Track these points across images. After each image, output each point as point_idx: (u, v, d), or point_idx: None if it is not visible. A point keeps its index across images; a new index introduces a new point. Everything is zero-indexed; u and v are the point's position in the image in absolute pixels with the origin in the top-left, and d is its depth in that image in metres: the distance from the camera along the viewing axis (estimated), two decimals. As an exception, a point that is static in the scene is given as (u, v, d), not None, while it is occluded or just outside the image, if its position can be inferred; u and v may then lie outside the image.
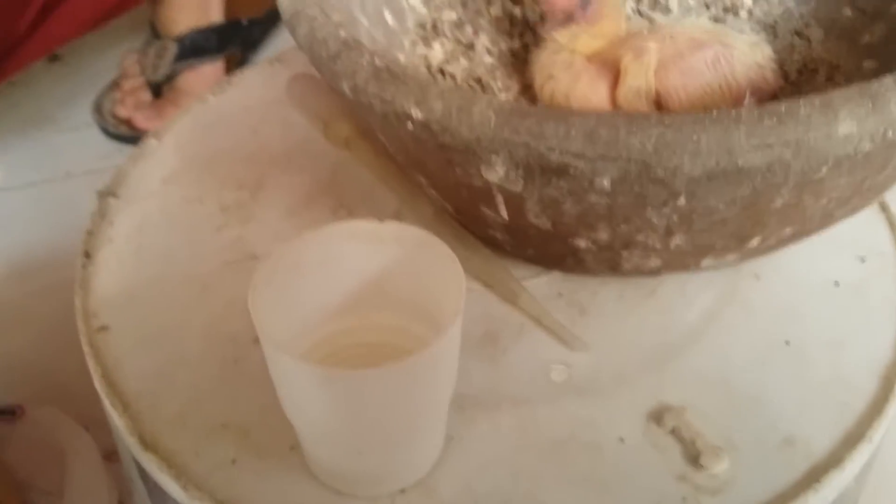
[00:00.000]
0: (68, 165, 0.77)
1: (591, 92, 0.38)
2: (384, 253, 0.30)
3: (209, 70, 0.80)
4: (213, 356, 0.34)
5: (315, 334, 0.31)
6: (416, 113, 0.29)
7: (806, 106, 0.27)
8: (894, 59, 0.41)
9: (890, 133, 0.28)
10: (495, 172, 0.29)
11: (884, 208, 0.43)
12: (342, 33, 0.31)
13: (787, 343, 0.36)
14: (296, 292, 0.29)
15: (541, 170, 0.29)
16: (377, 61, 0.30)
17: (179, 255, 0.37)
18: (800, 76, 0.44)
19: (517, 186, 0.30)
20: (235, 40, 0.83)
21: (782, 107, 0.27)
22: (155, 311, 0.35)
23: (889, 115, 0.28)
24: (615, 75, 0.38)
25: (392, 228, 0.29)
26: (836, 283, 0.39)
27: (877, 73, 0.42)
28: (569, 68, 0.38)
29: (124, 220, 0.39)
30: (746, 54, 0.39)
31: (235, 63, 0.84)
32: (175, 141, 0.42)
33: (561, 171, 0.28)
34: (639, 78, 0.37)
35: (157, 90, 0.79)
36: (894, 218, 0.42)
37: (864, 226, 0.41)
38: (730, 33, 0.40)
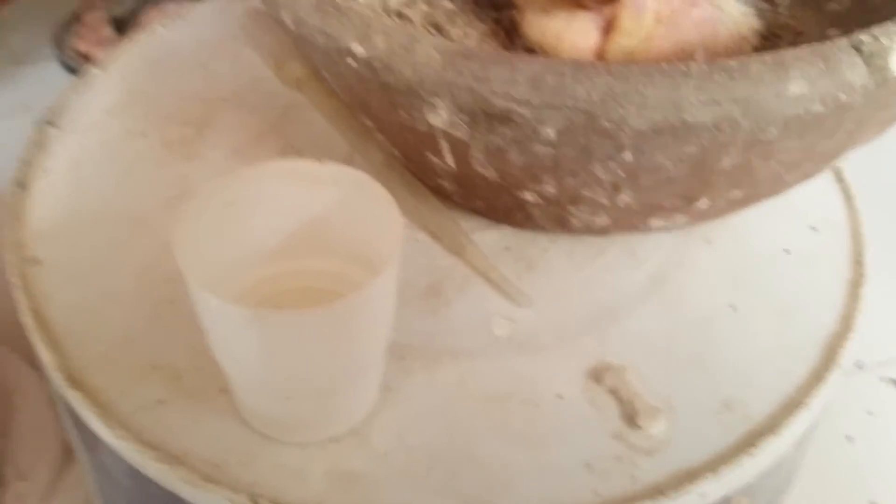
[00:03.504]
0: (26, 99, 0.75)
1: (580, 36, 0.36)
2: (322, 194, 0.29)
3: (173, 8, 0.78)
4: (148, 295, 0.33)
5: (247, 277, 0.30)
6: (358, 49, 0.28)
7: (757, 63, 0.27)
8: (858, 28, 0.41)
9: (842, 96, 0.27)
10: (439, 117, 0.29)
11: (840, 178, 0.42)
12: (289, -36, 0.30)
13: (734, 308, 0.36)
14: (227, 231, 0.28)
15: (485, 116, 0.28)
16: (322, -7, 0.29)
17: (118, 189, 0.36)
18: (764, 41, 0.43)
19: (462, 132, 0.29)
20: (204, -21, 0.80)
21: (733, 63, 0.27)
22: (90, 246, 0.34)
23: (841, 77, 0.27)
24: (608, 22, 0.36)
25: (330, 169, 0.28)
26: (787, 252, 0.39)
27: (842, 41, 0.41)
28: (564, 5, 0.36)
29: (62, 151, 0.37)
30: (734, 23, 0.37)
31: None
32: (120, 72, 0.41)
33: (505, 117, 0.28)
34: (632, 37, 0.36)
35: (120, 26, 0.77)
36: (849, 189, 0.42)
37: (818, 195, 0.41)
38: None
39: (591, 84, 0.26)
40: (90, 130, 0.38)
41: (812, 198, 0.41)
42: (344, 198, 0.29)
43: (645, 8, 0.36)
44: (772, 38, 0.43)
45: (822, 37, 0.42)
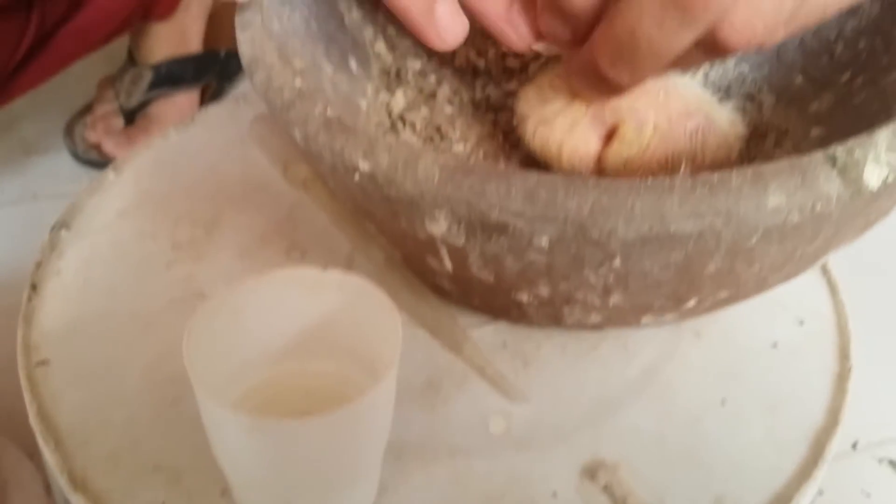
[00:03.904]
0: (35, 187, 0.77)
1: (581, 144, 0.38)
2: (326, 300, 0.30)
3: (183, 99, 0.81)
4: (151, 395, 0.34)
5: (253, 378, 0.31)
6: (364, 165, 0.29)
7: (737, 177, 0.28)
8: (841, 128, 0.43)
9: (818, 206, 0.29)
10: (438, 226, 0.30)
11: (825, 271, 0.44)
12: (298, 82, 0.32)
13: (723, 403, 0.37)
14: (234, 337, 0.29)
15: (482, 226, 0.29)
16: (329, 112, 0.31)
17: (126, 290, 0.38)
18: (749, 140, 0.45)
19: (459, 241, 0.30)
20: (212, 71, 0.83)
21: (714, 177, 0.28)
22: (97, 346, 0.35)
23: (818, 190, 0.29)
24: (609, 131, 0.38)
25: (334, 277, 0.30)
26: (775, 345, 0.40)
27: (823, 141, 0.43)
28: (566, 115, 0.38)
29: (74, 253, 0.39)
30: (723, 132, 0.39)
31: (211, 93, 0.85)
32: (134, 175, 0.43)
33: (501, 228, 0.29)
34: (632, 149, 0.37)
35: (131, 117, 0.79)
36: (835, 281, 0.43)
37: (804, 288, 0.42)
38: (714, 106, 0.40)
39: (582, 198, 0.28)
40: (102, 232, 0.40)
41: (798, 291, 0.42)
42: (346, 303, 0.30)
43: (647, 121, 0.37)
44: (758, 137, 0.45)
45: (806, 136, 0.45)
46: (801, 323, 0.41)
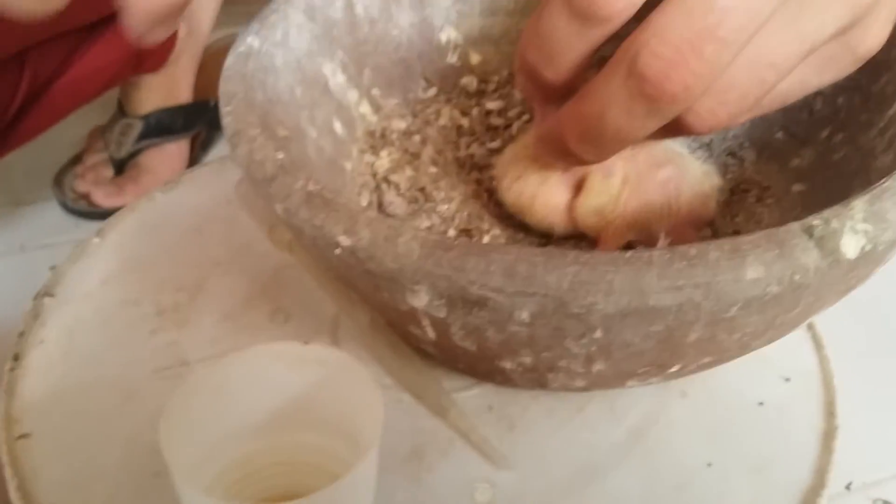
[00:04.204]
0: (23, 239, 0.77)
1: (553, 196, 0.38)
2: (307, 374, 0.30)
3: (173, 148, 0.81)
4: (132, 468, 0.33)
5: (233, 453, 0.31)
6: (344, 240, 0.30)
7: (715, 249, 0.28)
8: (821, 184, 0.43)
9: (797, 277, 0.29)
10: (419, 300, 0.30)
11: (810, 327, 0.44)
12: (280, 156, 0.32)
13: (710, 465, 0.37)
14: (214, 413, 0.29)
15: (462, 301, 0.29)
16: (311, 186, 0.31)
17: (109, 359, 0.37)
18: (731, 195, 0.45)
19: (441, 313, 0.31)
20: (202, 120, 0.83)
21: (692, 250, 0.28)
22: (79, 418, 0.35)
23: (795, 261, 0.29)
24: (579, 182, 0.39)
25: (315, 351, 0.30)
26: (761, 404, 0.40)
27: (805, 197, 0.44)
28: (538, 170, 0.39)
29: (57, 322, 0.39)
30: (696, 182, 0.40)
31: (201, 142, 0.85)
32: (118, 240, 0.43)
33: (482, 303, 0.29)
34: (601, 198, 0.38)
35: (120, 167, 0.79)
36: (820, 338, 0.43)
37: (790, 346, 0.43)
38: (686, 157, 0.41)
39: (561, 273, 0.28)
40: (85, 300, 0.40)
41: (784, 348, 0.42)
42: (328, 377, 0.30)
43: (613, 172, 0.38)
44: (739, 192, 0.46)
45: (787, 192, 0.45)
46: (787, 380, 0.41)
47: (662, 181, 0.39)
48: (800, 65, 0.28)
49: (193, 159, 0.83)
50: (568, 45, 0.28)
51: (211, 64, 0.84)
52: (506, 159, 0.40)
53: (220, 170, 0.47)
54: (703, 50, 0.25)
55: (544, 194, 0.39)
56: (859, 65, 0.31)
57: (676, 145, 0.42)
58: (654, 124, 0.28)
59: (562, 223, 0.40)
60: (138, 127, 0.79)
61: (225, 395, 0.29)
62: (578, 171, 0.38)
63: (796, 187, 0.44)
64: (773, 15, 0.26)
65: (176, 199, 0.46)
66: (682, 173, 0.40)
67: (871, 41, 0.29)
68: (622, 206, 0.38)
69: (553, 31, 0.28)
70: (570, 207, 0.39)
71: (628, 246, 0.39)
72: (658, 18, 0.26)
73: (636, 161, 0.39)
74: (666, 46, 0.25)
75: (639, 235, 0.39)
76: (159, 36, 0.32)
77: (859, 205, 0.29)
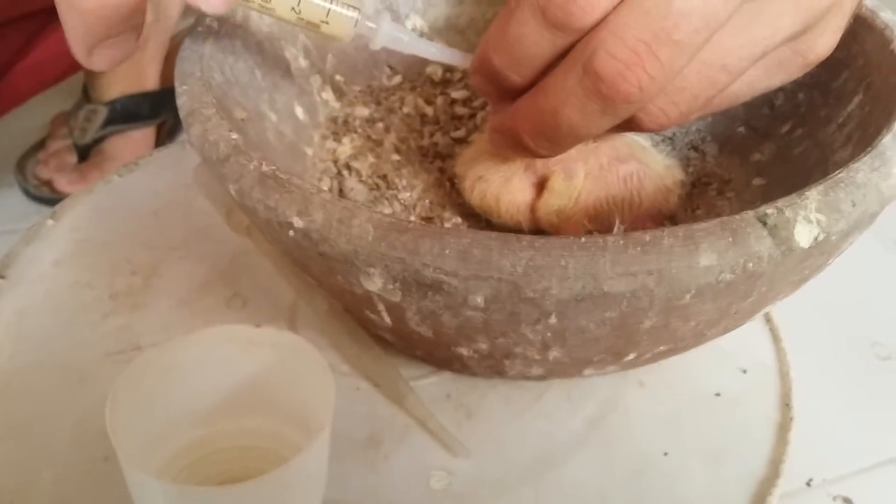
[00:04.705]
0: (-17, 224, 0.75)
1: (518, 194, 0.38)
2: (258, 357, 0.30)
3: (138, 136, 0.80)
4: (82, 452, 0.33)
5: (184, 438, 0.30)
6: (298, 222, 0.29)
7: (669, 237, 0.29)
8: (781, 178, 0.44)
9: (750, 265, 0.29)
10: (374, 283, 0.30)
11: (767, 319, 0.44)
12: (234, 136, 0.32)
13: (666, 454, 0.37)
14: (163, 396, 0.29)
15: (417, 284, 0.29)
16: (264, 167, 0.30)
17: (60, 342, 0.37)
18: (693, 188, 0.46)
19: (396, 297, 0.30)
20: (168, 107, 0.82)
21: (646, 236, 0.28)
22: (28, 401, 0.34)
23: (749, 249, 0.29)
24: (541, 180, 0.38)
25: (267, 333, 0.29)
26: (718, 394, 0.40)
27: (765, 191, 0.44)
28: (501, 169, 0.38)
29: (8, 304, 0.38)
30: (658, 176, 0.40)
31: (167, 129, 0.84)
32: (73, 222, 0.42)
33: (436, 287, 0.29)
34: (562, 199, 0.38)
35: (84, 153, 0.78)
36: (778, 330, 0.44)
37: (748, 337, 0.43)
38: (649, 151, 0.41)
39: (516, 257, 0.28)
40: (37, 282, 0.39)
41: (742, 340, 0.43)
42: (280, 361, 0.30)
43: (575, 173, 0.38)
44: (701, 185, 0.46)
45: (747, 185, 0.45)
46: (745, 371, 0.42)
47: (625, 175, 0.39)
48: (751, 68, 0.29)
49: (159, 147, 0.82)
50: (538, 51, 0.28)
51: (178, 52, 0.83)
52: (467, 158, 0.40)
53: (180, 154, 0.47)
54: (658, 52, 0.25)
55: (508, 194, 0.38)
56: (808, 69, 0.31)
57: (640, 138, 0.42)
58: (609, 122, 0.28)
59: (527, 221, 0.39)
60: (103, 113, 0.78)
61: (174, 377, 0.29)
62: (540, 169, 0.38)
63: (757, 181, 0.45)
64: (729, 19, 0.26)
65: (134, 182, 0.45)
66: (644, 167, 0.40)
67: (820, 48, 0.30)
68: (583, 201, 0.39)
69: (523, 38, 0.28)
70: (534, 206, 0.39)
71: (587, 233, 0.39)
72: (615, 18, 0.26)
73: (598, 154, 0.39)
74: (622, 47, 0.25)
75: (599, 228, 0.39)
76: (112, 57, 0.31)
77: (813, 195, 0.30)
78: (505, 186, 0.38)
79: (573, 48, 0.28)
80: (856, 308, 0.51)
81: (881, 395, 0.46)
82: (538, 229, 0.40)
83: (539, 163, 0.38)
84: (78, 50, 0.30)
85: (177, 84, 0.34)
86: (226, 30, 0.38)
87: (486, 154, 0.39)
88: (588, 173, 0.38)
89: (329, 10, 0.33)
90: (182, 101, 0.33)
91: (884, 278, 0.54)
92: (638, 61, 0.26)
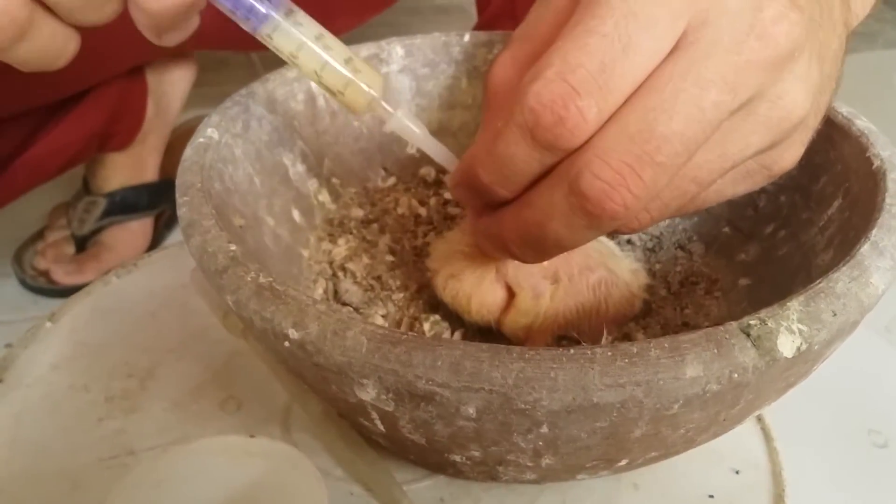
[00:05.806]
0: (-22, 315, 0.75)
1: (489, 296, 0.39)
2: (251, 469, 0.30)
3: (136, 227, 0.81)
4: (72, 564, 0.33)
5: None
6: (293, 333, 0.30)
7: (655, 348, 0.29)
8: (767, 279, 0.45)
9: (735, 375, 0.30)
10: (367, 393, 0.30)
11: (759, 419, 0.45)
12: (233, 248, 0.33)
13: (660, 561, 0.37)
14: (156, 509, 0.29)
15: (410, 395, 0.30)
16: (261, 279, 0.31)
17: (55, 447, 0.37)
18: (681, 287, 0.46)
19: (389, 407, 0.31)
20: (166, 198, 0.84)
21: (634, 348, 0.29)
22: (20, 509, 0.34)
23: (733, 360, 0.30)
24: (507, 287, 0.39)
25: (260, 444, 0.30)
26: (711, 496, 0.40)
27: (750, 291, 0.45)
28: (474, 270, 0.39)
29: (5, 408, 0.38)
30: (625, 283, 0.41)
31: (165, 220, 0.85)
32: (71, 324, 0.42)
33: (428, 398, 0.29)
34: (528, 318, 0.39)
35: (82, 244, 0.79)
36: (769, 430, 0.44)
37: (740, 438, 0.43)
38: (615, 256, 0.42)
39: (506, 369, 0.29)
40: (34, 386, 0.39)
41: (734, 440, 0.43)
42: (274, 471, 0.30)
43: (542, 293, 0.39)
44: (689, 284, 0.47)
45: (734, 285, 0.46)
46: (737, 472, 0.42)
47: (594, 284, 0.40)
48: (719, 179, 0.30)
49: (157, 238, 0.83)
50: (527, 168, 0.29)
51: (179, 144, 0.85)
52: (440, 254, 0.41)
53: (178, 254, 0.48)
54: (642, 173, 0.27)
55: (480, 294, 0.39)
56: (772, 180, 0.33)
57: (609, 242, 0.44)
58: (593, 236, 0.29)
59: (496, 322, 0.40)
60: (102, 204, 0.79)
61: (167, 491, 0.29)
62: (512, 278, 0.39)
63: (743, 281, 0.46)
64: (707, 140, 0.28)
65: (132, 282, 0.45)
66: (611, 276, 0.41)
67: (785, 161, 0.32)
68: (552, 312, 0.39)
69: (513, 156, 0.29)
70: (500, 321, 0.40)
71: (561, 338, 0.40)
72: (600, 141, 0.27)
73: (569, 263, 0.40)
74: (607, 170, 0.27)
75: (565, 334, 0.40)
76: (179, 38, 0.32)
77: (794, 305, 0.31)
78: (477, 287, 0.39)
79: (559, 164, 0.29)
80: (849, 396, 0.51)
81: (879, 484, 0.45)
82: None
83: (510, 271, 0.39)
84: (148, 36, 0.31)
85: (178, 195, 0.35)
86: (225, 140, 0.39)
87: (460, 253, 0.40)
88: (558, 287, 0.39)
89: (349, 81, 0.33)
90: (182, 213, 0.34)
91: (876, 365, 0.54)
92: (622, 182, 0.27)
